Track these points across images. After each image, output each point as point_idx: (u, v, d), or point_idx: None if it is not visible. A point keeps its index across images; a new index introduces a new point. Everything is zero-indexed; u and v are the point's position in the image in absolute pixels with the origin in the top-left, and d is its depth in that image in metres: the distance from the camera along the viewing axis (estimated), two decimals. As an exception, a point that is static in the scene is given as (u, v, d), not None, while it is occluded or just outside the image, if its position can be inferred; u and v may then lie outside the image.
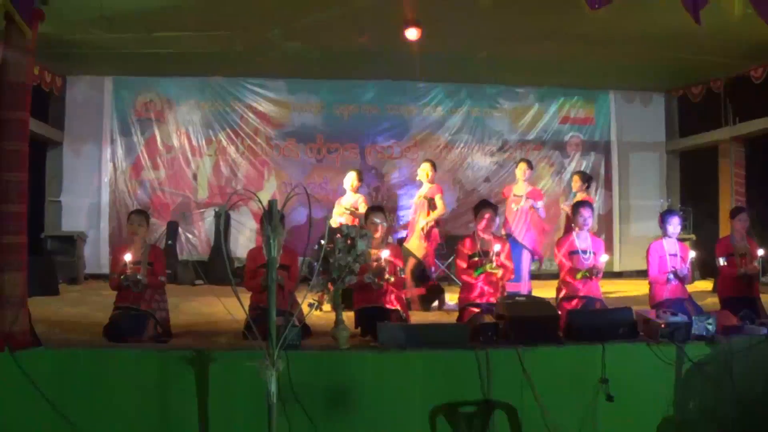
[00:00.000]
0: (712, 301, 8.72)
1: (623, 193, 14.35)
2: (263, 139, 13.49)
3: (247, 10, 9.25)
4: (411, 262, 9.68)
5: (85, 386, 5.74)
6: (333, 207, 10.28)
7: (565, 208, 10.71)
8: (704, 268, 12.54)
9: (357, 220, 9.76)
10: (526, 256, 10.02)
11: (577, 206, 8.17)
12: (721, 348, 6.32)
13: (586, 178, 10.87)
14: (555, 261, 8.20)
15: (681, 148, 14.75)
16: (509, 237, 9.87)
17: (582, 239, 7.92)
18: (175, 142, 13.32)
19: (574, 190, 10.62)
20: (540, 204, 10.13)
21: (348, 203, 10.10)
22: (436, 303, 9.51)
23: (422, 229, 9.71)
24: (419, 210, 9.93)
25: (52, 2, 6.37)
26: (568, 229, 9.41)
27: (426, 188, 10.00)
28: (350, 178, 10.20)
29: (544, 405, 5.89)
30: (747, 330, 6.68)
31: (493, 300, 7.44)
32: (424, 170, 10.05)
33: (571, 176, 11.10)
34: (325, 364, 5.91)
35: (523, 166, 10.30)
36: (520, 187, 10.26)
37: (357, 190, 10.25)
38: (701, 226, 13.68)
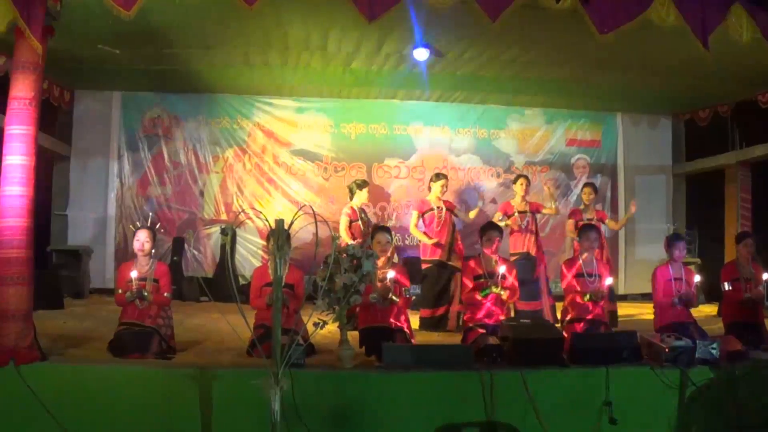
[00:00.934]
0: (717, 326, 8.70)
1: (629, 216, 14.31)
2: (270, 157, 13.47)
3: (255, 29, 9.30)
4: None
5: (89, 402, 5.76)
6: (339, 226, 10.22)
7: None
8: (709, 292, 12.52)
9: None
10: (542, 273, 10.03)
11: (584, 229, 8.18)
12: (725, 373, 6.33)
13: (597, 190, 10.81)
14: (561, 283, 8.20)
15: (687, 172, 14.73)
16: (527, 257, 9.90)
17: (588, 262, 7.92)
18: (182, 159, 13.30)
19: (585, 202, 10.56)
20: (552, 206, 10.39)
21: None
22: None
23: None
24: (445, 225, 9.88)
25: (62, 18, 6.41)
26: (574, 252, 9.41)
27: (439, 203, 9.95)
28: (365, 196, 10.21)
29: (548, 427, 5.88)
30: (751, 355, 6.68)
31: (498, 321, 7.43)
32: (442, 185, 10.03)
33: (582, 188, 10.98)
34: (329, 383, 5.92)
35: (524, 182, 10.26)
36: (520, 204, 10.21)
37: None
38: (707, 250, 13.66)
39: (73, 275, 12.10)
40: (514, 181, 10.49)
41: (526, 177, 10.37)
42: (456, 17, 8.12)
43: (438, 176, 10.15)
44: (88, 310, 10.41)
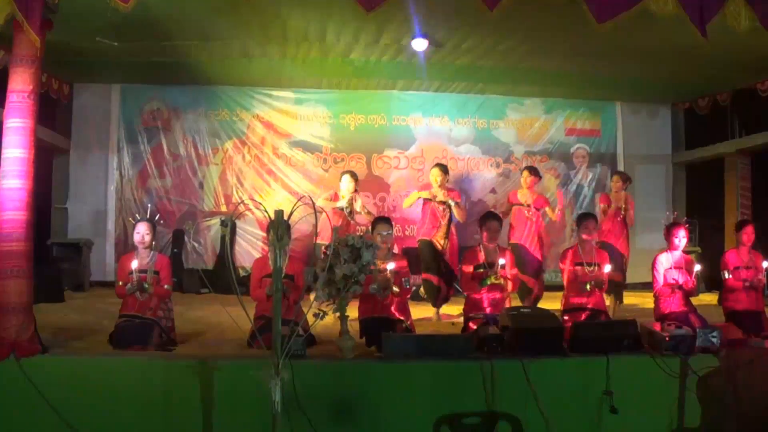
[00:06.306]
0: (718, 314, 8.70)
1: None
2: (270, 149, 13.48)
3: (254, 21, 9.28)
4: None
5: (89, 394, 5.77)
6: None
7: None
8: (709, 281, 12.52)
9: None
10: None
11: (581, 218, 8.19)
12: (726, 361, 6.32)
13: (626, 178, 10.78)
14: (560, 273, 8.21)
15: (687, 161, 14.72)
16: (518, 246, 9.84)
17: (586, 251, 7.93)
18: (182, 151, 13.31)
19: (614, 190, 10.55)
20: (547, 210, 10.20)
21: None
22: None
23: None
24: (442, 216, 9.80)
25: (60, 11, 6.40)
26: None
27: (440, 193, 9.84)
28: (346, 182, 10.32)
29: (549, 417, 5.89)
30: (751, 343, 6.68)
31: (497, 311, 7.43)
32: (433, 175, 9.93)
33: (611, 177, 11.15)
34: (329, 374, 5.93)
35: (525, 174, 10.22)
36: (525, 195, 10.14)
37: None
38: (707, 238, 13.65)
39: (74, 268, 12.11)
40: (521, 172, 10.53)
41: (529, 169, 10.29)
42: (454, 7, 8.11)
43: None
44: (88, 302, 10.41)
